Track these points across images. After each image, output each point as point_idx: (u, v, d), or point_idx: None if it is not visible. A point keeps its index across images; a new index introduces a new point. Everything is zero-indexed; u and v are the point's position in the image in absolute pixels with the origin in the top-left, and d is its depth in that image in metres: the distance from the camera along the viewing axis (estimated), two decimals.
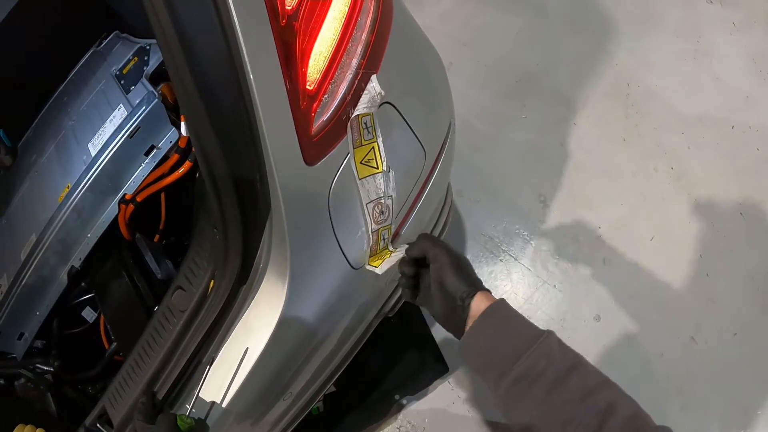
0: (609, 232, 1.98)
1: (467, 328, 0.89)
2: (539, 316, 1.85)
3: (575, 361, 0.80)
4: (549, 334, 0.83)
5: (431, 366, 1.85)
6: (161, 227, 1.59)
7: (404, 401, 1.87)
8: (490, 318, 0.86)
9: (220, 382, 0.99)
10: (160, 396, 1.02)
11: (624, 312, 1.86)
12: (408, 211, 1.12)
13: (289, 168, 0.84)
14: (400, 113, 1.01)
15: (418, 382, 1.86)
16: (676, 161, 2.05)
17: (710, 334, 1.82)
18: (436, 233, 1.34)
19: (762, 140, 2.03)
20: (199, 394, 0.98)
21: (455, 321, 0.92)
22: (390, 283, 1.17)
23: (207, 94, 0.73)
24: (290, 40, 0.80)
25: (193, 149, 1.27)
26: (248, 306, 0.96)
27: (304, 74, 0.82)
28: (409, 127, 1.04)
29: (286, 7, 0.79)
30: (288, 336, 0.98)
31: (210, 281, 0.96)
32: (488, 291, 0.93)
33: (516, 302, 1.88)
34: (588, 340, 1.81)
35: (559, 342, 0.83)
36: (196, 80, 0.72)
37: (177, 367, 0.99)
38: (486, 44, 2.39)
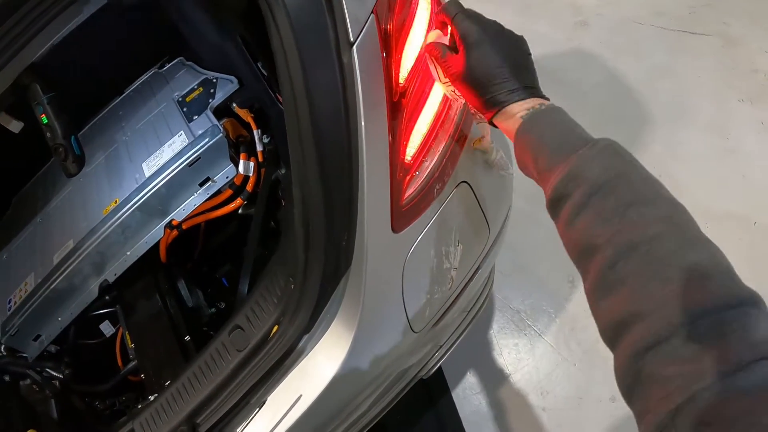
0: None
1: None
2: (558, 392, 1.85)
3: (616, 173, 0.61)
4: (591, 145, 0.65)
5: None
6: (195, 256, 1.59)
7: None
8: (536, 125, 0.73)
9: (266, 424, 0.99)
10: (202, 430, 1.01)
11: None
12: (465, 285, 1.16)
13: (377, 232, 0.87)
14: (474, 192, 1.06)
15: None
16: None
17: None
18: (476, 308, 1.36)
19: None
20: None
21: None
22: (434, 347, 1.19)
23: (321, 154, 0.77)
24: (398, 115, 0.84)
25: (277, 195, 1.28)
26: (307, 354, 0.98)
27: (404, 147, 0.87)
28: (480, 206, 1.08)
29: (399, 84, 0.83)
30: (342, 387, 0.99)
31: (274, 326, 0.98)
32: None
33: (537, 377, 1.89)
34: (603, 420, 1.81)
35: (608, 151, 0.64)
36: (316, 139, 0.76)
37: (225, 404, 0.99)
38: None
